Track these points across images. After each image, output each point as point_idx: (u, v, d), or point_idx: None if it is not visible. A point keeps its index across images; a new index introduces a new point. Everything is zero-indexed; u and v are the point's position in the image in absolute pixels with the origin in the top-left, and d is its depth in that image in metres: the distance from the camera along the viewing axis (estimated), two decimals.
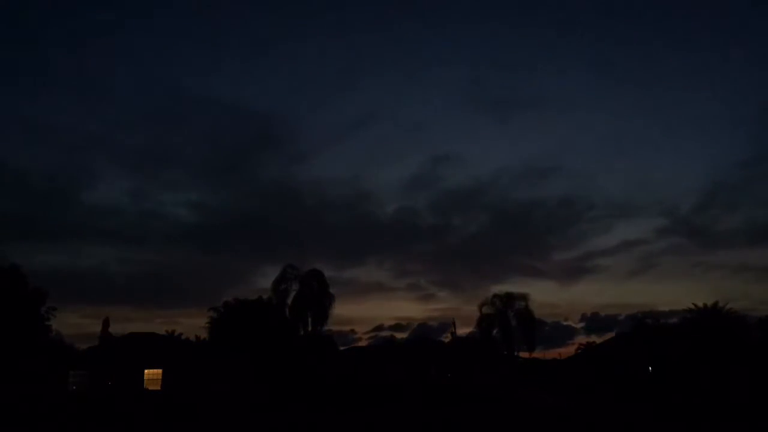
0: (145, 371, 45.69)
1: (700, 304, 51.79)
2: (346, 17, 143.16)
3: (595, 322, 77.53)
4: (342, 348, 62.90)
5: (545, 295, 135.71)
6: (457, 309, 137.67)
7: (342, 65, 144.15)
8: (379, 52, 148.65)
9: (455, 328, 64.71)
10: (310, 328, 53.47)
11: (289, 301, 53.55)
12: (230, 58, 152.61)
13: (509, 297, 60.24)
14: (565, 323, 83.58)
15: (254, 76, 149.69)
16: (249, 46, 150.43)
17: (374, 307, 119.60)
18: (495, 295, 60.66)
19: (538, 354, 69.22)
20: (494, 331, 59.63)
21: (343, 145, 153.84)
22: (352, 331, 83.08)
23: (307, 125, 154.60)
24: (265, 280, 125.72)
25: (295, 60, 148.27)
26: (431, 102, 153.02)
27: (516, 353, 60.46)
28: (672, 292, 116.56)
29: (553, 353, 71.66)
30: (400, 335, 73.50)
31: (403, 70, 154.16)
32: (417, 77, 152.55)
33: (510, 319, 59.60)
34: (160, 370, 45.85)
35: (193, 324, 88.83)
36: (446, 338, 65.32)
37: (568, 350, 70.21)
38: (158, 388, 44.89)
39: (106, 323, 51.69)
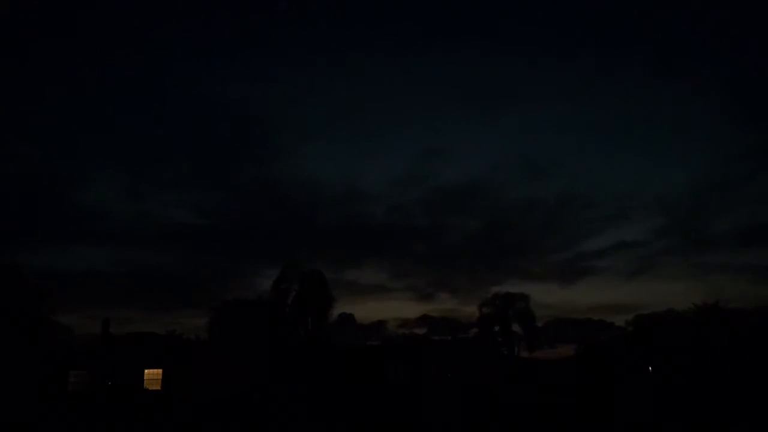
0: (145, 371, 45.64)
1: (701, 304, 52.02)
2: (335, 12, 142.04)
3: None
4: (342, 346, 63.03)
5: (542, 296, 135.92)
6: (456, 309, 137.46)
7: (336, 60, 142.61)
8: (370, 47, 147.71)
9: (455, 330, 64.96)
10: (310, 328, 53.62)
11: (289, 301, 53.71)
12: (222, 57, 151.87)
13: (509, 297, 60.52)
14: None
15: (251, 75, 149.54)
16: (241, 45, 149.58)
17: (373, 309, 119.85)
18: (495, 295, 61.00)
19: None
20: (495, 329, 59.95)
21: (336, 143, 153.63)
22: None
23: (299, 121, 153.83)
24: (265, 280, 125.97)
25: (294, 58, 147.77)
26: (426, 98, 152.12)
27: (516, 353, 60.71)
28: (671, 293, 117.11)
29: (552, 353, 71.83)
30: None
31: (396, 63, 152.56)
32: (411, 72, 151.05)
33: (510, 319, 59.91)
34: (160, 370, 45.81)
35: (193, 324, 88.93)
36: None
37: (567, 350, 70.23)
38: (158, 388, 44.90)
39: (106, 323, 51.63)
